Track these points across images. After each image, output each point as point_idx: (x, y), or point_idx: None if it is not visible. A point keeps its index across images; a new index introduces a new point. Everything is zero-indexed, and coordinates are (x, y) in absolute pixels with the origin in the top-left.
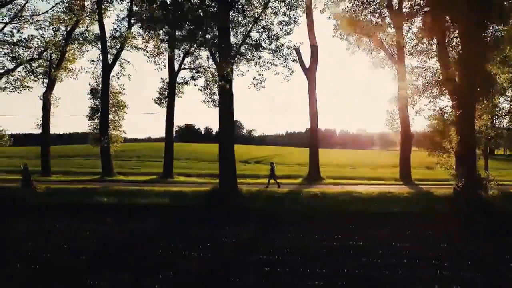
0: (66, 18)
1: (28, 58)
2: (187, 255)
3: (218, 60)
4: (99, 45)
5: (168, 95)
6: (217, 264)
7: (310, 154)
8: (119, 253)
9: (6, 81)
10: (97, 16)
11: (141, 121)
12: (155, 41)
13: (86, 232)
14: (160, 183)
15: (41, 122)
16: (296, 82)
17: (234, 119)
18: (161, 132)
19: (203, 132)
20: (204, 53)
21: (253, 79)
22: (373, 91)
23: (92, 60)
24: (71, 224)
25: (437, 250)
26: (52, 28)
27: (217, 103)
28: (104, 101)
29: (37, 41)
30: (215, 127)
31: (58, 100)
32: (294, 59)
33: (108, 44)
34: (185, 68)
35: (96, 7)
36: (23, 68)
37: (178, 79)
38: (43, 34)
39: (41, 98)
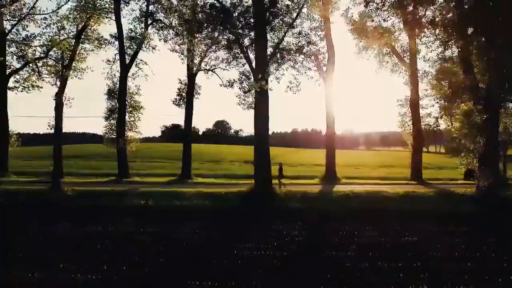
0: (76, 16)
1: (35, 57)
2: (271, 254)
3: (254, 65)
4: (115, 45)
5: (187, 97)
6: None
7: (326, 155)
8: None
9: (15, 81)
10: (114, 16)
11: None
12: (181, 42)
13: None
14: (183, 184)
15: (53, 122)
16: (279, 84)
17: (222, 119)
18: (153, 132)
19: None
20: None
21: (290, 83)
22: (359, 94)
23: (108, 60)
24: (130, 228)
25: (486, 245)
26: (57, 27)
27: (250, 105)
28: (121, 102)
29: (40, 40)
30: (200, 127)
31: (71, 100)
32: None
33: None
34: (203, 70)
35: (113, 6)
36: (30, 67)
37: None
38: (49, 32)
39: (54, 98)
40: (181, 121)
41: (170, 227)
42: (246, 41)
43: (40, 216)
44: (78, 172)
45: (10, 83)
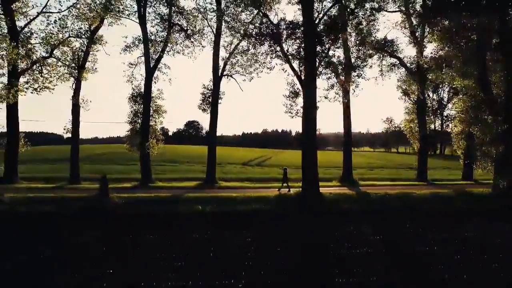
0: (91, 15)
1: (42, 56)
2: (371, 252)
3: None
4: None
5: (212, 101)
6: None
7: (344, 157)
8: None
9: (25, 82)
10: (138, 20)
11: None
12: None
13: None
14: (212, 189)
15: (71, 126)
16: (250, 85)
17: (193, 119)
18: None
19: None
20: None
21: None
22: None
23: (131, 63)
24: (221, 235)
25: None
26: (60, 25)
27: (296, 112)
28: (146, 106)
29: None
30: (170, 128)
31: (88, 103)
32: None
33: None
34: (226, 75)
35: (136, 9)
36: (38, 66)
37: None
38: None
39: (72, 100)
40: None
41: (256, 232)
42: (294, 51)
43: (107, 227)
44: (94, 177)
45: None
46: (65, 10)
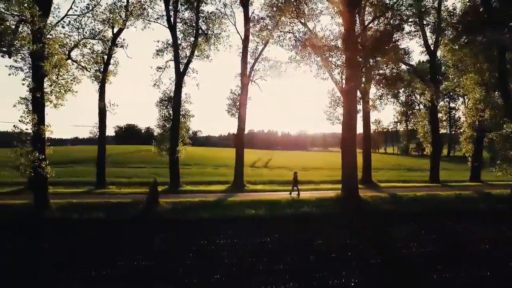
0: (116, 17)
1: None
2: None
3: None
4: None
5: (240, 104)
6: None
7: (363, 159)
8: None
9: (49, 85)
10: (167, 24)
11: None
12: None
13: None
14: (243, 192)
15: (98, 129)
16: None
17: None
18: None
19: (143, 131)
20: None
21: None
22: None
23: (159, 67)
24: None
25: None
26: (76, 26)
27: (337, 119)
28: (175, 111)
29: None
30: (156, 128)
31: (115, 106)
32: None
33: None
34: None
35: (165, 13)
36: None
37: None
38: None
39: (98, 104)
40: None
41: (314, 234)
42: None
43: (168, 232)
44: (119, 181)
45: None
46: (87, 12)
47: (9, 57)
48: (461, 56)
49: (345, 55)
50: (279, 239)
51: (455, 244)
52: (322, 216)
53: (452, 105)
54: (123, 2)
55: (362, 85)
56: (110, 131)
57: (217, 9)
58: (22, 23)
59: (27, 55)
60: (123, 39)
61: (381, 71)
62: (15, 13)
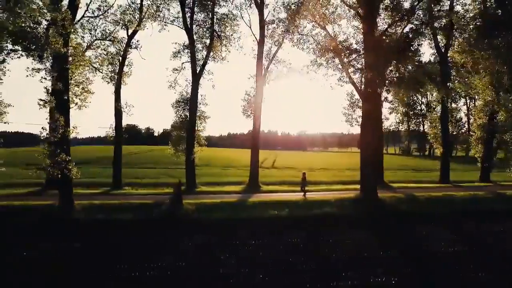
0: (129, 19)
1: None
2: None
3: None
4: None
5: (255, 105)
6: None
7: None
8: None
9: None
10: (183, 25)
11: None
12: None
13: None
14: (261, 193)
15: (114, 131)
16: (231, 85)
17: None
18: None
19: (143, 131)
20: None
21: None
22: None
23: (175, 69)
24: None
25: None
26: (88, 28)
27: (356, 121)
28: (192, 112)
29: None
30: (156, 128)
31: (131, 107)
32: None
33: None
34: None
35: (181, 15)
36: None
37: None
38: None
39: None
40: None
41: (340, 234)
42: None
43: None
44: (133, 181)
45: None
46: (101, 15)
47: (40, 60)
48: (475, 58)
49: (365, 59)
50: (306, 239)
51: (483, 244)
52: (344, 217)
53: (453, 105)
54: (137, 4)
55: (384, 89)
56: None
57: (229, 11)
58: (52, 26)
59: (50, 57)
60: (137, 41)
61: (399, 75)
62: (48, 18)
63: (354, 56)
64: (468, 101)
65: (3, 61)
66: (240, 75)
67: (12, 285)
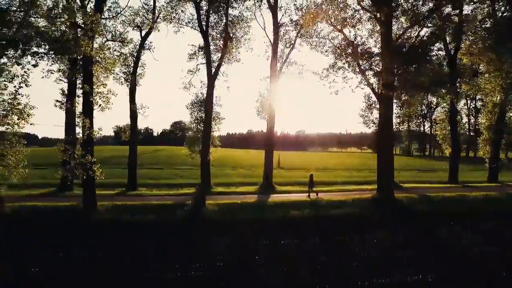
0: (142, 20)
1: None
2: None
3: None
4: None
5: (269, 106)
6: None
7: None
8: None
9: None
10: (198, 27)
11: None
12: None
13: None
14: (275, 194)
15: (129, 132)
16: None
17: (179, 119)
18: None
19: (142, 131)
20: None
21: None
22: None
23: (190, 70)
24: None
25: None
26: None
27: (372, 122)
28: (208, 113)
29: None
30: (155, 128)
31: (146, 109)
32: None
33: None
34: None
35: (195, 17)
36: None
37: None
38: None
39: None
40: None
41: (361, 234)
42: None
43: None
44: (148, 182)
45: None
46: (114, 16)
47: (69, 62)
48: (487, 60)
49: (383, 63)
50: (332, 238)
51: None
52: (366, 217)
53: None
54: (150, 6)
55: (403, 92)
56: (109, 131)
57: (240, 13)
58: (80, 29)
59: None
60: (150, 42)
61: (418, 78)
62: (79, 21)
63: (373, 59)
64: (468, 102)
65: (36, 64)
66: (250, 75)
67: (44, 285)
